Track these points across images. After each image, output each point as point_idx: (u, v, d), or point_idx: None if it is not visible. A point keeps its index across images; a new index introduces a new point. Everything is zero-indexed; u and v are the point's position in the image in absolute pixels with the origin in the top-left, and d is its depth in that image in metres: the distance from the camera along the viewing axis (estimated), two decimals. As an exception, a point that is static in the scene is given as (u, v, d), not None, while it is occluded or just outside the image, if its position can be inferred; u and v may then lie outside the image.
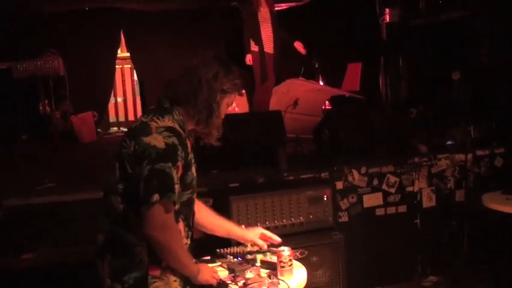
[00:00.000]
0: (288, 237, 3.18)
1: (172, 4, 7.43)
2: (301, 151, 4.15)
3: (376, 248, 4.07)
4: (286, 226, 3.31)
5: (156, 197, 2.00)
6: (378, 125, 4.23)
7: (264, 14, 6.27)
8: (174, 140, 2.06)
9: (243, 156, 4.07)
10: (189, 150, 2.19)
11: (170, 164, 2.02)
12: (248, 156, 4.07)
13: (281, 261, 2.38)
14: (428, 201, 4.26)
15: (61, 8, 7.01)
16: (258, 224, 3.22)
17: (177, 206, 2.14)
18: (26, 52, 6.47)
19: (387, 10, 7.45)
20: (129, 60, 7.89)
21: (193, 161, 2.24)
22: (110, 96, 7.83)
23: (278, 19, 6.31)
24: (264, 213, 3.26)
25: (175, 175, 2.05)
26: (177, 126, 2.12)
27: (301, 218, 3.35)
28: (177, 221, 2.17)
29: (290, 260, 2.39)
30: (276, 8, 6.71)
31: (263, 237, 2.64)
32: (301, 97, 5.96)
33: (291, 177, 3.86)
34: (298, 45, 6.46)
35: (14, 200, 3.43)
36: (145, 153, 2.03)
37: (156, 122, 2.11)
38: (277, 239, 2.65)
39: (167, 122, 2.12)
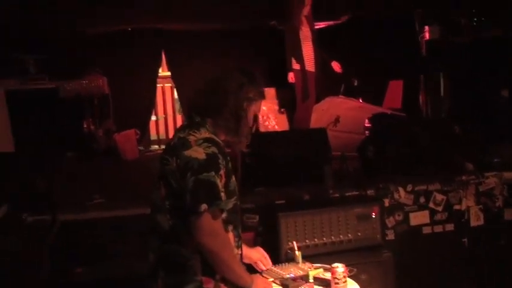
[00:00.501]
0: (337, 255, 3.21)
1: (212, 25, 7.54)
2: (346, 168, 4.13)
3: (423, 266, 4.00)
4: (335, 243, 3.31)
5: (204, 206, 2.04)
6: (423, 142, 4.18)
7: (305, 33, 6.33)
8: (214, 149, 2.12)
9: (288, 173, 4.08)
10: (228, 158, 2.23)
11: (213, 173, 2.08)
12: (293, 174, 4.08)
13: (335, 278, 2.38)
14: (476, 219, 4.18)
15: (105, 29, 7.20)
16: (307, 240, 3.23)
17: (224, 215, 2.16)
18: (72, 72, 6.67)
19: (427, 27, 7.43)
20: (170, 79, 8.02)
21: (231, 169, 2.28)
22: (151, 114, 7.95)
23: (318, 37, 6.35)
24: (312, 230, 3.27)
25: (220, 183, 2.10)
26: (214, 136, 2.19)
27: (349, 235, 3.34)
28: (227, 231, 2.20)
29: (344, 276, 2.39)
30: (316, 27, 6.76)
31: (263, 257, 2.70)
32: (342, 115, 5.96)
33: (337, 195, 3.86)
34: (336, 65, 6.49)
35: (67, 215, 3.52)
36: (188, 165, 2.09)
37: (194, 136, 2.17)
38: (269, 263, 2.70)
39: (204, 133, 2.18)
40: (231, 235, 2.22)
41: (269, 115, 7.24)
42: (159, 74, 7.94)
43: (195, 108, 2.29)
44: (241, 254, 2.31)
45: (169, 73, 7.96)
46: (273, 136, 4.55)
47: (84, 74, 6.77)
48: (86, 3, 6.64)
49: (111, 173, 5.99)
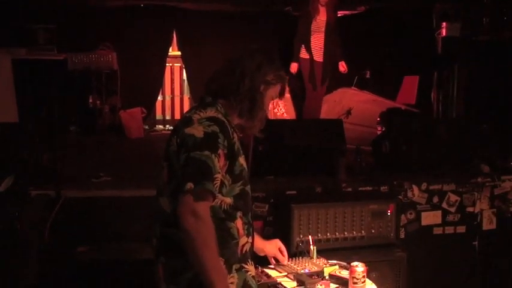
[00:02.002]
0: (349, 251, 3.12)
1: (226, 5, 7.40)
2: (360, 162, 4.02)
3: (431, 267, 3.92)
4: (347, 239, 3.21)
5: (189, 185, 1.89)
6: (442, 140, 4.07)
7: (319, 23, 6.16)
8: (215, 128, 1.99)
9: (300, 163, 3.98)
10: (236, 140, 2.09)
11: (208, 152, 1.93)
12: (305, 164, 3.97)
13: (354, 277, 2.28)
14: (488, 223, 4.09)
15: (117, 3, 7.05)
16: (319, 234, 3.12)
17: (229, 200, 2.05)
18: (81, 45, 6.54)
19: (444, 24, 7.28)
20: (179, 59, 7.89)
21: (241, 152, 2.13)
22: (158, 94, 7.84)
23: (338, 27, 6.19)
24: (325, 224, 3.16)
25: (217, 163, 1.95)
26: (220, 116, 2.06)
27: (362, 231, 3.24)
28: (235, 218, 2.07)
29: (364, 276, 2.29)
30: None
31: (280, 251, 2.57)
32: (354, 107, 5.84)
33: (350, 189, 3.76)
34: (342, 65, 6.27)
35: (72, 191, 3.42)
36: (184, 142, 1.98)
37: (199, 114, 2.05)
38: (286, 258, 2.57)
39: (209, 112, 2.06)
40: (239, 222, 2.09)
41: (278, 102, 7.12)
42: (169, 53, 7.81)
43: (209, 89, 2.17)
44: (251, 243, 2.19)
45: (179, 53, 7.83)
46: (286, 124, 4.44)
47: (94, 48, 6.65)
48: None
49: (115, 151, 5.88)
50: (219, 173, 1.96)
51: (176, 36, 7.68)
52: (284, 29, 7.48)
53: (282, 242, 2.68)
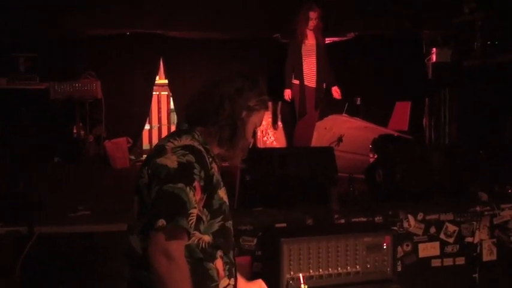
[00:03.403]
0: (343, 288, 2.91)
1: (214, 33, 7.30)
2: (352, 192, 3.84)
3: (430, 302, 3.72)
4: (341, 275, 2.99)
5: (161, 222, 1.69)
6: (437, 167, 3.91)
7: (308, 47, 6.11)
8: (190, 158, 1.80)
9: (290, 193, 3.78)
10: (215, 171, 1.91)
11: (181, 185, 1.74)
12: (296, 194, 3.78)
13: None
14: (488, 254, 3.90)
15: (102, 32, 6.92)
16: (311, 271, 2.91)
17: (208, 238, 1.85)
18: (64, 74, 6.38)
19: (434, 49, 7.24)
20: (167, 87, 7.73)
21: (221, 184, 1.95)
22: (145, 123, 7.65)
23: (327, 51, 6.12)
24: (317, 259, 2.95)
25: (193, 197, 1.76)
26: (196, 144, 1.87)
27: (357, 266, 3.03)
28: (214, 258, 1.87)
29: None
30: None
31: None
32: (345, 134, 5.70)
33: (342, 220, 3.57)
34: (335, 91, 6.24)
35: (46, 226, 3.19)
36: (156, 174, 1.79)
37: (173, 143, 1.86)
38: None
39: (185, 140, 1.87)
40: (219, 262, 1.89)
41: (268, 130, 6.97)
42: (156, 82, 7.66)
43: (186, 115, 2.00)
44: (234, 285, 1.98)
45: (166, 81, 7.68)
46: (275, 152, 4.24)
47: (78, 77, 6.49)
48: (86, 4, 6.38)
49: (98, 182, 5.66)
50: (195, 207, 1.77)
51: (163, 64, 7.54)
52: (273, 56, 7.40)
53: (272, 279, 2.48)
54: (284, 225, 3.41)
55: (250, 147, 2.09)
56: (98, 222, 3.39)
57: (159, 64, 7.51)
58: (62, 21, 6.36)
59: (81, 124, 6.68)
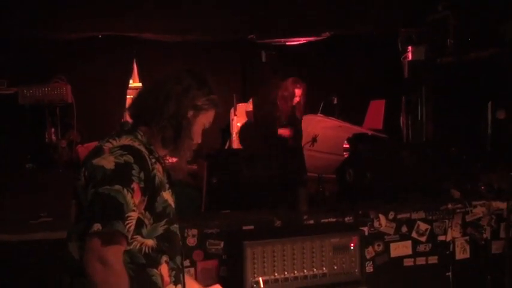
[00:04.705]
0: (309, 291, 2.83)
1: (188, 35, 7.21)
2: (322, 192, 3.77)
3: (403, 303, 3.66)
4: (307, 277, 2.93)
5: (96, 226, 1.63)
6: (408, 166, 3.85)
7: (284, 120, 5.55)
8: (128, 158, 1.73)
9: (258, 195, 3.70)
10: (158, 172, 1.83)
11: (118, 187, 1.67)
12: (264, 196, 3.70)
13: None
14: (461, 252, 3.86)
15: (73, 35, 6.80)
16: (276, 274, 2.84)
17: (151, 242, 1.77)
18: (33, 78, 6.25)
19: (410, 48, 7.20)
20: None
21: (167, 186, 1.87)
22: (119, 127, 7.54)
23: None
24: (282, 261, 2.88)
25: (131, 199, 1.68)
26: (136, 144, 1.80)
27: (324, 268, 2.96)
28: (158, 263, 1.79)
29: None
30: (295, 42, 6.42)
31: None
32: (320, 134, 5.62)
33: (311, 221, 3.49)
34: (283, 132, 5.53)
35: (3, 234, 3.08)
36: (92, 175, 1.72)
37: (111, 143, 1.79)
38: None
39: (124, 140, 1.80)
40: (164, 268, 1.82)
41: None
42: (130, 85, 7.55)
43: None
44: None
45: (140, 84, 7.57)
46: (242, 154, 4.17)
47: (47, 81, 6.36)
48: (56, 6, 6.25)
49: (68, 188, 5.53)
50: (134, 210, 1.68)
51: (137, 67, 7.44)
52: (248, 57, 7.32)
53: (236, 284, 2.39)
54: (251, 227, 3.33)
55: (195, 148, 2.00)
56: (58, 228, 3.27)
57: (133, 67, 7.41)
58: (31, 23, 6.23)
59: (53, 129, 6.55)
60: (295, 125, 5.49)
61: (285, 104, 5.40)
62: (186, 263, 3.07)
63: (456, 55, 5.72)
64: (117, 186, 1.67)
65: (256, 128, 5.62)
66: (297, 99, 5.47)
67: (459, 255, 3.84)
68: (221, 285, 2.30)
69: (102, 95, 7.07)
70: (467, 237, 3.87)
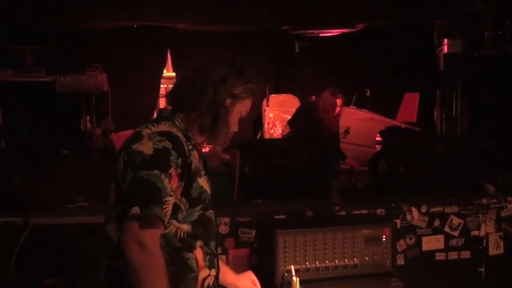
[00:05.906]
0: (340, 281, 2.85)
1: (222, 25, 7.24)
2: (354, 184, 3.76)
3: (434, 297, 3.64)
4: (338, 268, 2.93)
5: (135, 209, 1.65)
6: (441, 159, 3.81)
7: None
8: (167, 144, 1.76)
9: (290, 185, 3.72)
10: (195, 159, 1.86)
11: (156, 172, 1.70)
12: (296, 186, 3.71)
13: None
14: (495, 248, 3.81)
15: (109, 25, 6.90)
16: (307, 263, 2.86)
17: (186, 227, 1.81)
18: (71, 66, 6.38)
19: (445, 40, 7.09)
20: (175, 80, 7.71)
21: (203, 173, 1.90)
22: (152, 115, 7.62)
23: None
24: (313, 251, 2.89)
25: (169, 184, 1.71)
26: (174, 131, 1.83)
27: (355, 259, 2.96)
28: (193, 247, 1.83)
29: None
30: (329, 34, 6.36)
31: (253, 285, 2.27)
32: (352, 126, 5.62)
33: (343, 212, 3.50)
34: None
35: (41, 218, 3.17)
36: (131, 160, 1.74)
37: (150, 129, 1.82)
38: None
39: (162, 126, 1.83)
40: (199, 252, 1.85)
41: (275, 122, 6.91)
42: (164, 74, 7.64)
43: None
44: (215, 276, 1.93)
45: (174, 74, 7.65)
46: (275, 143, 4.19)
47: (84, 69, 6.48)
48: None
49: (104, 175, 5.63)
50: (171, 195, 1.72)
51: (171, 57, 7.51)
52: (281, 48, 7.31)
53: (267, 272, 2.42)
54: (283, 217, 3.35)
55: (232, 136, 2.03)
56: (96, 213, 3.35)
57: (167, 57, 7.49)
58: (68, 13, 6.36)
59: (88, 117, 6.68)
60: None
61: (327, 115, 5.42)
62: (218, 250, 3.11)
63: (494, 48, 5.61)
64: (155, 171, 1.70)
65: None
66: (338, 109, 5.48)
67: (492, 250, 3.79)
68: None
69: (137, 84, 7.16)
70: (501, 233, 3.81)
